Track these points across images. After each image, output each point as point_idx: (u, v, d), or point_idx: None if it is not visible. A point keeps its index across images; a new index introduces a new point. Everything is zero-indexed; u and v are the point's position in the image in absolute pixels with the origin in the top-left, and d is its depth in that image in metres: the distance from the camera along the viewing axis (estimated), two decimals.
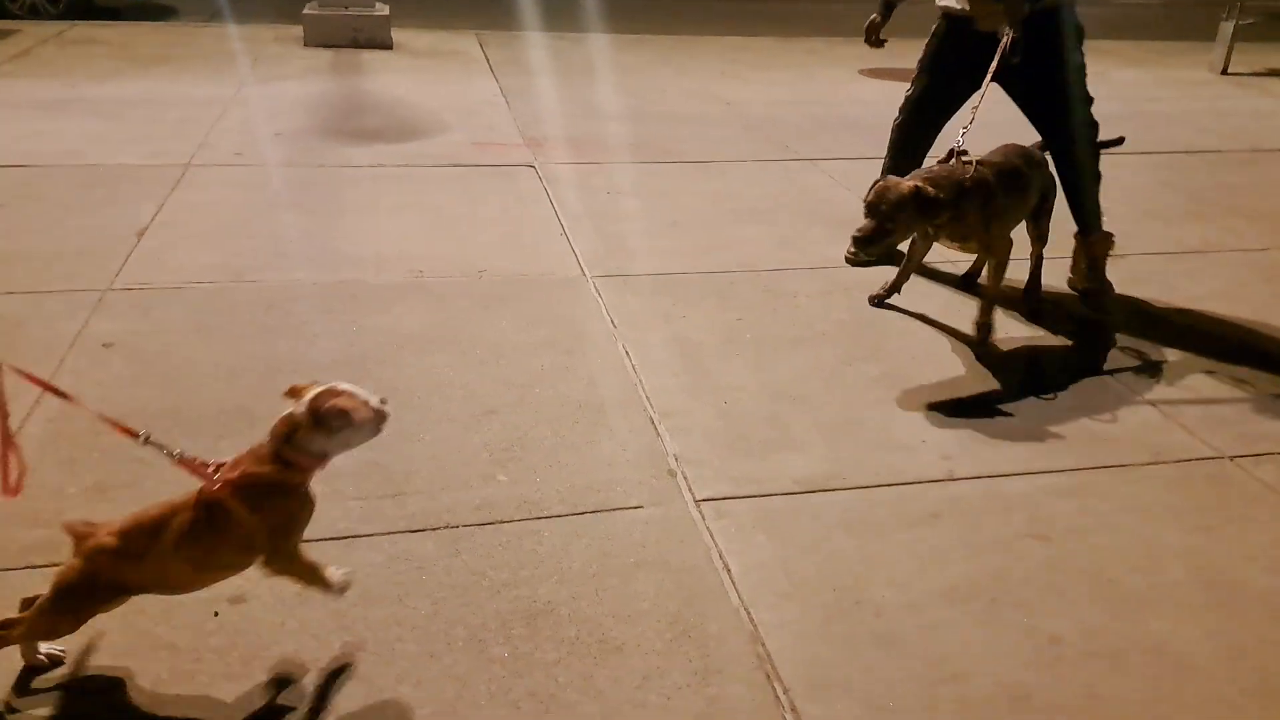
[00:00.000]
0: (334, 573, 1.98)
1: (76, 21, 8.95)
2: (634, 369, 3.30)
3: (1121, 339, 3.70)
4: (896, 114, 4.22)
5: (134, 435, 1.90)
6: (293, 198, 4.82)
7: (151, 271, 3.83)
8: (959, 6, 3.87)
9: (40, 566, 2.21)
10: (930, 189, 3.19)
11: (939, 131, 4.13)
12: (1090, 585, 2.35)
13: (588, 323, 3.63)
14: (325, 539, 2.36)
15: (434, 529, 2.43)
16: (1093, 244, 3.99)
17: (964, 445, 2.93)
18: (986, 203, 3.40)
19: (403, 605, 2.18)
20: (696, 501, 2.59)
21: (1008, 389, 3.29)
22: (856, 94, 7.87)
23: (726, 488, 2.66)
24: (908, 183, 3.20)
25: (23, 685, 1.94)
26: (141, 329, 3.36)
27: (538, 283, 3.97)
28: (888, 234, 3.21)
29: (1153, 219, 5.05)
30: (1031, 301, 3.93)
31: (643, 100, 7.29)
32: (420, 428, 2.87)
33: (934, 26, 4.07)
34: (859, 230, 3.21)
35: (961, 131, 3.53)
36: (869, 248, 3.23)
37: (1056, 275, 4.09)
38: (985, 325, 3.57)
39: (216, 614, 2.12)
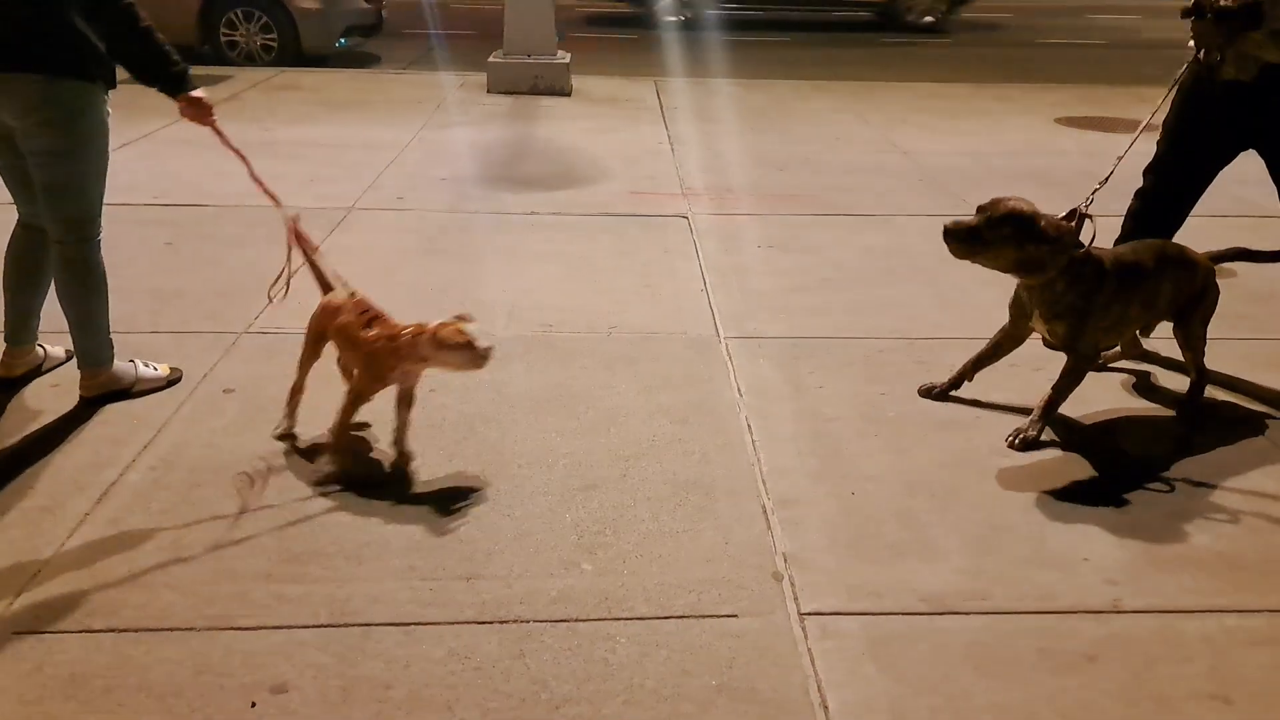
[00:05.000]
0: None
1: (285, 69, 9.54)
2: (754, 445, 3.00)
3: None
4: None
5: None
6: (443, 243, 4.81)
7: (290, 316, 3.81)
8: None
9: (97, 631, 2.14)
10: (1039, 216, 2.87)
11: (1190, 206, 3.57)
12: None
13: (712, 389, 3.36)
14: (386, 624, 2.19)
15: (503, 622, 2.21)
16: None
17: (1135, 567, 2.46)
18: (1092, 288, 2.97)
19: (451, 713, 1.97)
20: (801, 615, 2.26)
21: (1196, 500, 2.77)
22: (1049, 144, 7.27)
23: (838, 600, 2.31)
24: (1024, 202, 2.91)
25: None
26: (264, 374, 3.35)
27: (668, 342, 3.73)
28: (979, 238, 2.89)
29: None
30: (1188, 411, 3.30)
31: (816, 148, 6.98)
32: (513, 501, 2.68)
33: (1177, 75, 3.43)
34: (953, 221, 2.95)
35: (1093, 190, 3.07)
36: (954, 242, 2.91)
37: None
38: (1028, 436, 3.03)
39: (254, 705, 1.97)
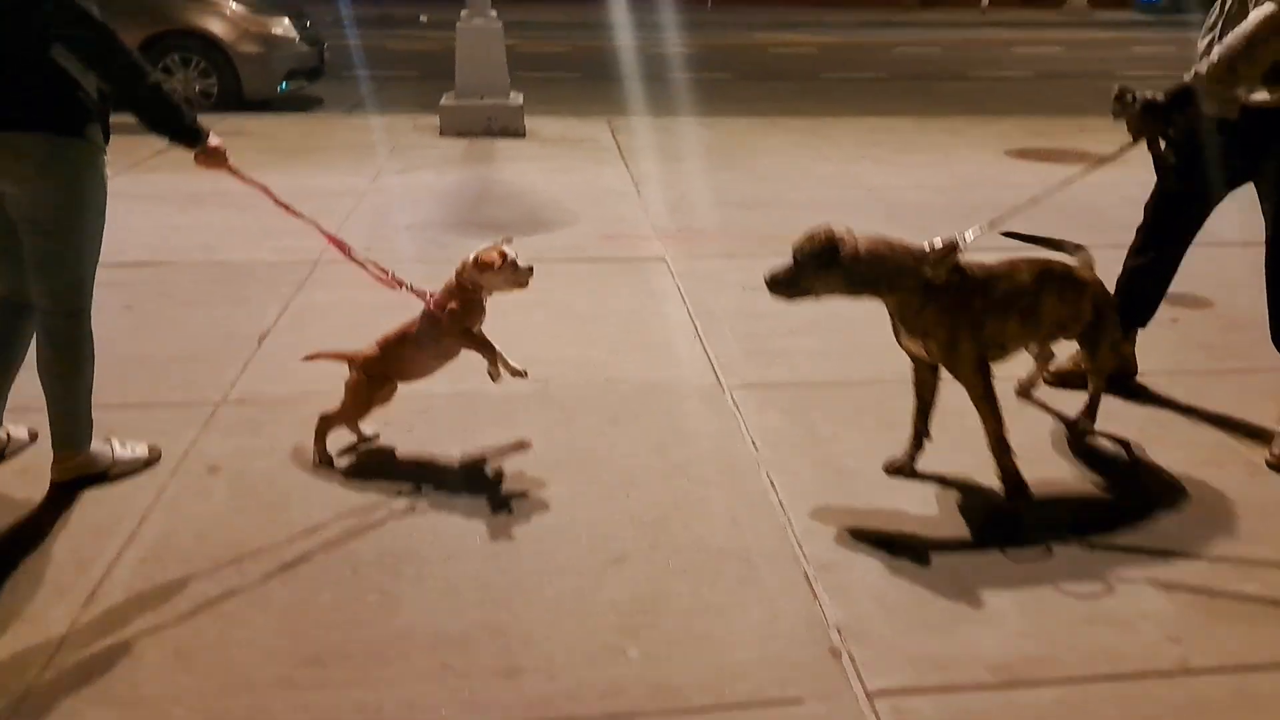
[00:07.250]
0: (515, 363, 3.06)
1: (227, 114, 9.25)
2: (781, 505, 2.87)
3: None
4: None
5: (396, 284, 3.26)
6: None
7: (268, 381, 3.64)
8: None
9: None
10: (846, 235, 2.68)
11: (1189, 240, 3.54)
12: None
13: (726, 444, 3.23)
14: None
15: None
16: None
17: (1196, 621, 2.38)
18: (959, 305, 2.80)
19: None
20: (869, 695, 2.12)
21: (1231, 546, 2.70)
22: (1004, 176, 7.34)
23: (905, 675, 2.18)
24: (835, 227, 2.73)
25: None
26: (251, 448, 3.13)
27: (670, 393, 3.60)
28: (796, 282, 2.76)
29: None
30: (1076, 431, 3.31)
31: (780, 186, 6.95)
32: (541, 580, 2.50)
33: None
34: (768, 272, 2.79)
35: (976, 229, 2.87)
36: (776, 290, 2.79)
37: None
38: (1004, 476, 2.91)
39: None
